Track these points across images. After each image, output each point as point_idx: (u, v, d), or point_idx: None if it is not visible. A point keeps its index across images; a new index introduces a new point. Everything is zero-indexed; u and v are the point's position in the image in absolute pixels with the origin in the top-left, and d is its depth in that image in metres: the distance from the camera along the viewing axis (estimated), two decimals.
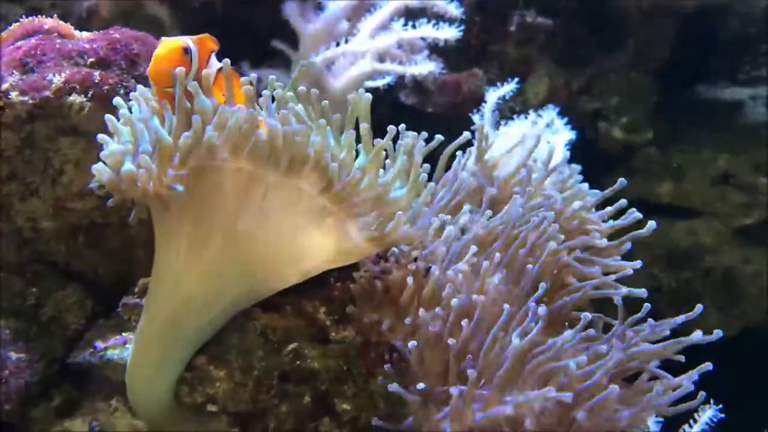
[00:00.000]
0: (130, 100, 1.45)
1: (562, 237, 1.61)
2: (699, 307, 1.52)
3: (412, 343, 1.46)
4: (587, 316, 1.49)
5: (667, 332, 1.56)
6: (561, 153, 2.43)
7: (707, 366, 1.50)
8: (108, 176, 1.35)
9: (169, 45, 1.38)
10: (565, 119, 2.64)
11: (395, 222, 1.44)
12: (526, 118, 2.67)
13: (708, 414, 2.13)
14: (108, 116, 1.39)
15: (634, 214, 1.71)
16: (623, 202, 1.75)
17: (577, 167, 1.85)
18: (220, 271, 1.44)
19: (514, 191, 1.73)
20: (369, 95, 1.51)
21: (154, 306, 1.50)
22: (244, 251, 1.42)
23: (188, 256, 1.42)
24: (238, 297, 1.50)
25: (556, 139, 2.58)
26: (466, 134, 1.77)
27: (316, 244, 1.44)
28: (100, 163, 1.36)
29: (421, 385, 1.43)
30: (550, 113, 2.66)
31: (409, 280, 1.52)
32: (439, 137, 1.64)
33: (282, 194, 1.39)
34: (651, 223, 1.67)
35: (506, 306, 1.46)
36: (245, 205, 1.39)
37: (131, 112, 1.42)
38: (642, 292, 1.61)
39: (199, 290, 1.45)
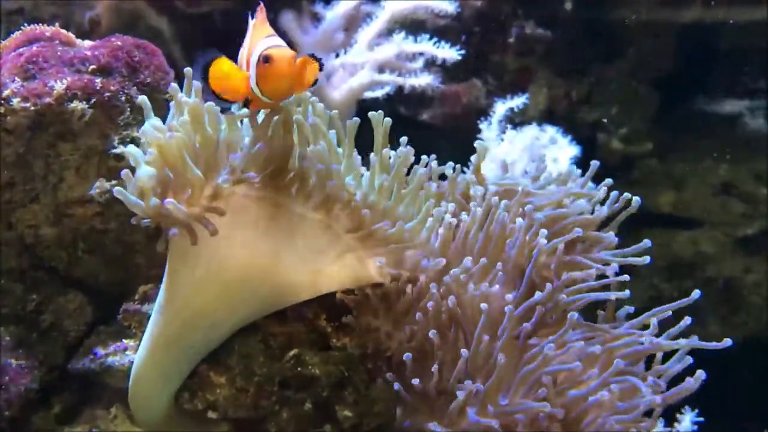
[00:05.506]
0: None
1: (546, 232, 1.60)
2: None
3: (407, 355, 1.46)
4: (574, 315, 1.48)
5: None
6: (566, 167, 2.44)
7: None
8: (140, 207, 1.33)
9: (288, 59, 1.27)
10: (569, 137, 2.63)
11: (415, 262, 1.47)
12: (517, 129, 2.66)
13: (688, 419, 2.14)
14: (143, 130, 1.38)
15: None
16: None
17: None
18: (236, 290, 1.44)
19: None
20: (389, 119, 1.52)
21: (163, 318, 1.49)
22: (262, 274, 1.43)
23: (206, 273, 1.42)
24: (249, 314, 1.51)
25: (561, 154, 2.57)
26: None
27: (334, 274, 1.46)
28: (131, 189, 1.34)
29: (416, 383, 1.44)
30: (551, 129, 2.66)
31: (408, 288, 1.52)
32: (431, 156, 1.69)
33: (308, 228, 1.40)
34: (645, 241, 1.64)
35: (483, 306, 1.46)
36: (269, 232, 1.39)
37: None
38: (645, 260, 1.61)
39: (213, 307, 1.46)
